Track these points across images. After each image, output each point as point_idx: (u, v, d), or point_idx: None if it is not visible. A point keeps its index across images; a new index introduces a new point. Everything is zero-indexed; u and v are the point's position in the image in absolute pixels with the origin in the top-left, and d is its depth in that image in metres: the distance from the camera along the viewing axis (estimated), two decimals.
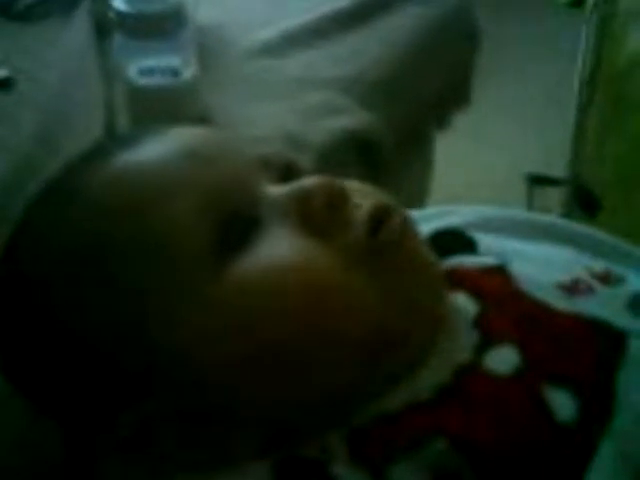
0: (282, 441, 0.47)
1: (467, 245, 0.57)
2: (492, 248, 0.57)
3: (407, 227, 0.49)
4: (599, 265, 0.57)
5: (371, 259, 0.47)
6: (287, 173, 0.50)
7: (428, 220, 0.61)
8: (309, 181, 0.48)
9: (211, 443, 0.47)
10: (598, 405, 0.47)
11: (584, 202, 1.26)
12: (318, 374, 0.46)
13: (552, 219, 0.66)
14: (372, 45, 1.05)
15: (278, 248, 0.46)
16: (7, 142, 0.88)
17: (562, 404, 0.46)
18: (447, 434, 0.45)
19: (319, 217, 0.47)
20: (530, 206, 1.61)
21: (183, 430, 0.47)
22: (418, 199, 1.21)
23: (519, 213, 0.66)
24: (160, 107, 0.89)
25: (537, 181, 1.63)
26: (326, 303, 0.46)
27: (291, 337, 0.45)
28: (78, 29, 1.05)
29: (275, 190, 0.49)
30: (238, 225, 0.47)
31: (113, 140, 0.52)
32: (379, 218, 0.48)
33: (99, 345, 0.46)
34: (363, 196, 0.49)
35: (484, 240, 0.58)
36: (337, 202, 0.48)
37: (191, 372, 0.46)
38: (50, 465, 0.57)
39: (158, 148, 0.49)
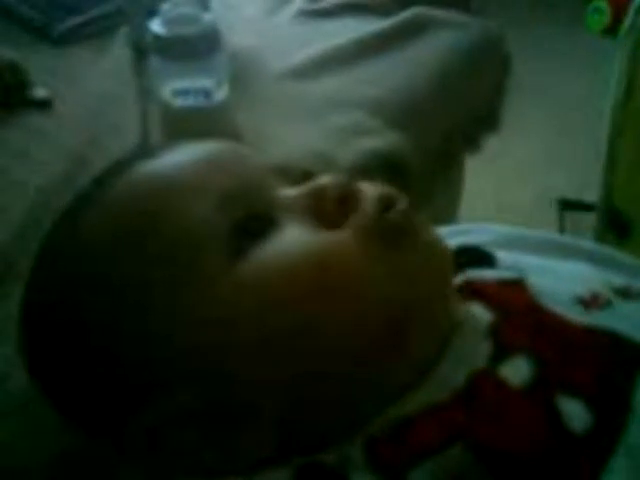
0: (299, 445, 0.48)
1: (485, 259, 0.58)
2: (510, 263, 0.58)
3: (413, 211, 0.51)
4: (619, 280, 0.57)
5: (381, 240, 0.49)
6: (303, 180, 0.53)
7: (446, 239, 0.62)
8: (322, 179, 0.52)
9: (224, 444, 0.48)
10: (612, 417, 0.47)
11: (616, 226, 1.25)
12: (331, 364, 0.47)
13: (571, 238, 0.66)
14: (402, 67, 1.06)
15: (293, 239, 0.48)
16: (45, 161, 0.91)
17: (576, 415, 0.46)
18: (464, 440, 0.45)
19: (332, 209, 0.50)
20: (562, 231, 1.60)
21: (194, 430, 0.47)
22: (446, 221, 1.21)
23: (538, 232, 0.66)
24: (193, 128, 0.91)
25: (568, 206, 1.62)
26: (339, 284, 0.47)
27: (308, 323, 0.47)
28: (116, 52, 1.08)
29: (291, 191, 0.52)
30: (254, 224, 0.49)
31: (135, 153, 0.54)
32: (386, 202, 0.50)
33: (118, 342, 0.48)
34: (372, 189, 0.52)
35: (502, 255, 0.59)
36: (349, 194, 0.50)
37: (205, 365, 0.47)
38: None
39: (177, 157, 0.52)
